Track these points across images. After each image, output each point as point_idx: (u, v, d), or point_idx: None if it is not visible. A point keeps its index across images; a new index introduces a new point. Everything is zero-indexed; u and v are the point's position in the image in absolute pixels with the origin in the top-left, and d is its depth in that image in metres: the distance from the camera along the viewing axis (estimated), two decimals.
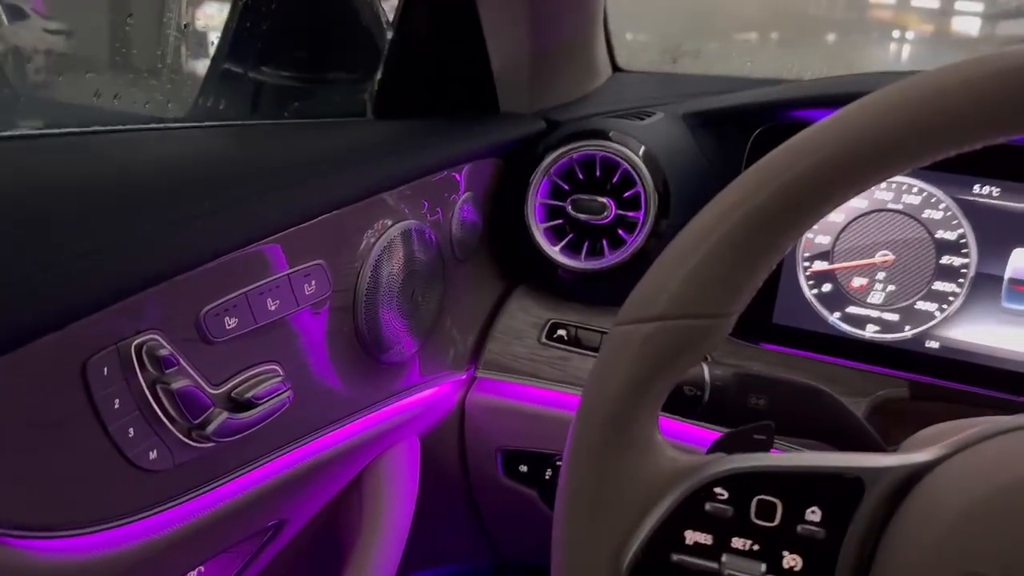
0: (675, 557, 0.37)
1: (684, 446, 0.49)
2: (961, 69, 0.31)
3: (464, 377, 0.80)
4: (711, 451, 0.40)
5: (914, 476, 0.34)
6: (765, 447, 0.41)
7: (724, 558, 0.36)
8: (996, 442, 0.34)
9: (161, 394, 0.48)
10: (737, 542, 0.36)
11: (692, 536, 0.37)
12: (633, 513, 0.37)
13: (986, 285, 0.71)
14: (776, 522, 0.36)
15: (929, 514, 0.33)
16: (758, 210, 0.34)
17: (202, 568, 0.61)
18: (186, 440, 0.50)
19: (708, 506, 0.37)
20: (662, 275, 0.36)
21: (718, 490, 0.37)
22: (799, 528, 0.36)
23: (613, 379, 0.36)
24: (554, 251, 0.80)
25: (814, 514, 0.35)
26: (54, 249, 0.42)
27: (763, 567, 0.36)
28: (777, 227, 0.34)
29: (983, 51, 0.32)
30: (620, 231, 0.78)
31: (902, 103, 0.32)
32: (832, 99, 0.74)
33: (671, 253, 0.36)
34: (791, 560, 0.36)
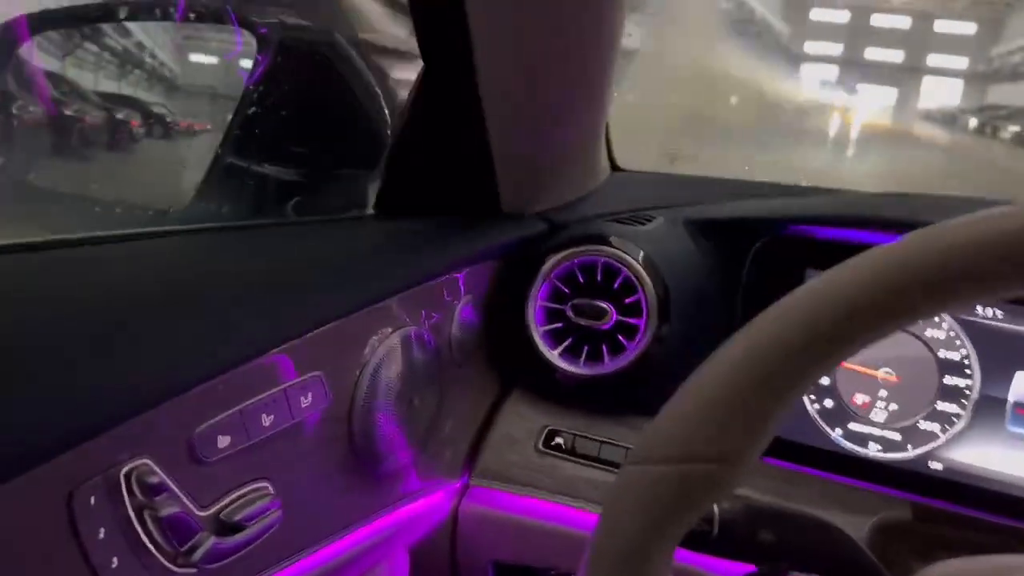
0: None
1: None
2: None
3: (457, 485, 0.78)
4: None
5: None
6: None
7: None
8: None
9: (148, 521, 0.45)
10: None
11: None
12: None
13: (990, 407, 0.70)
14: None
15: None
16: (784, 353, 0.33)
17: None
18: (171, 567, 0.47)
19: None
20: (679, 414, 0.35)
21: None
22: None
23: (626, 522, 0.35)
24: (553, 355, 0.78)
25: None
26: (41, 379, 0.40)
27: None
28: (803, 370, 0.33)
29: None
30: (620, 337, 0.77)
31: (946, 248, 0.31)
32: (836, 219, 0.74)
33: (688, 392, 0.35)
34: None
